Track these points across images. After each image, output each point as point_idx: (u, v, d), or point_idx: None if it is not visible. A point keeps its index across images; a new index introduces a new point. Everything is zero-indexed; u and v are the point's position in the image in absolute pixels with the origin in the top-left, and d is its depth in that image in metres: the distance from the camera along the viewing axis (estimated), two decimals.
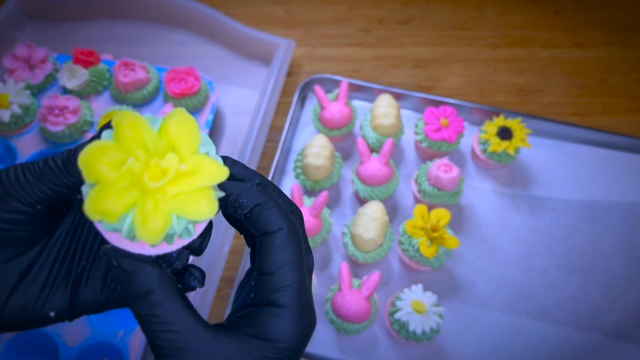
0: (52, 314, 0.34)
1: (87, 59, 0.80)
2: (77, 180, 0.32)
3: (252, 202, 0.33)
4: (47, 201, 0.32)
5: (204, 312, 0.70)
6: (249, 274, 0.37)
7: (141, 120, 0.29)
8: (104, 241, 0.36)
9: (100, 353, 0.65)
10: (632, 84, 0.92)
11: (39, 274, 0.35)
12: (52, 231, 0.36)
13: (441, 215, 0.69)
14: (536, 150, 0.83)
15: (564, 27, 0.98)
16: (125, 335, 0.66)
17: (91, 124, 0.79)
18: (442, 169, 0.73)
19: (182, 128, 0.30)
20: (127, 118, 0.29)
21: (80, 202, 0.36)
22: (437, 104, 0.84)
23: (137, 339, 0.65)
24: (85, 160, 0.28)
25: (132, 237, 0.30)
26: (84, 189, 0.30)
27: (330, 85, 0.86)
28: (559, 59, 0.95)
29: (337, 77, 0.85)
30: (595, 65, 0.94)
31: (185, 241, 0.31)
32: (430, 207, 0.74)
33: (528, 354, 0.70)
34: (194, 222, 0.30)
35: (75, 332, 0.66)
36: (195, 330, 0.30)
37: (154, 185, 0.28)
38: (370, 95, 0.86)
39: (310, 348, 0.70)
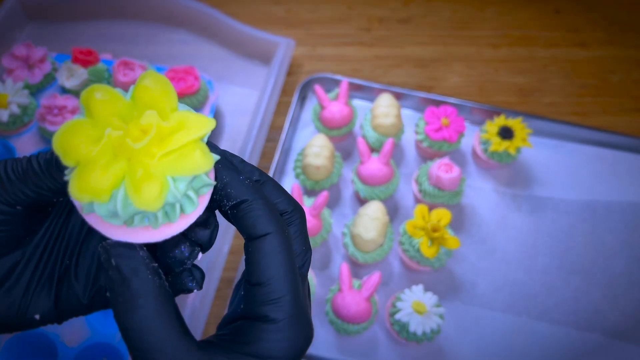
0: (37, 316, 0.33)
1: (85, 59, 0.80)
2: (60, 184, 0.30)
3: (239, 195, 0.31)
4: (29, 203, 0.30)
5: (204, 313, 0.70)
6: (243, 276, 0.35)
7: (111, 90, 0.27)
8: (90, 239, 0.34)
9: (99, 354, 0.65)
10: (632, 83, 0.92)
11: (21, 276, 0.33)
12: (35, 230, 0.34)
13: (442, 215, 0.69)
14: (537, 150, 0.83)
15: (564, 27, 0.97)
16: None
17: None
18: (442, 169, 0.72)
19: (157, 87, 0.28)
20: (96, 90, 0.27)
21: (65, 200, 0.33)
22: (437, 103, 0.83)
23: None
24: (60, 142, 0.26)
25: (129, 216, 0.27)
26: (66, 176, 0.27)
27: (330, 84, 0.85)
28: (559, 59, 0.94)
29: (337, 77, 0.85)
30: (596, 65, 0.94)
31: (191, 216, 0.28)
32: (431, 207, 0.74)
33: (529, 354, 0.70)
34: (195, 189, 0.28)
35: (74, 332, 0.65)
36: (185, 352, 0.28)
37: (137, 145, 0.26)
38: (370, 94, 0.86)
39: (310, 349, 0.69)
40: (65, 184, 0.29)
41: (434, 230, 0.67)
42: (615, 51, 0.95)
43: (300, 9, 0.98)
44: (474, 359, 0.69)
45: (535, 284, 0.74)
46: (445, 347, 0.70)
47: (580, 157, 0.83)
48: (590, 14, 0.98)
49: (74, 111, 0.76)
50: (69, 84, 0.78)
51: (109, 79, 0.82)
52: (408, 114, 0.85)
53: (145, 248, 0.29)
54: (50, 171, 0.29)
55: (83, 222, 0.35)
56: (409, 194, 0.79)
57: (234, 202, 0.31)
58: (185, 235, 0.32)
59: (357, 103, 0.86)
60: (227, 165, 0.32)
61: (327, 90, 0.84)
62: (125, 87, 0.79)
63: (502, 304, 0.73)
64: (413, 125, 0.82)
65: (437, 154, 0.79)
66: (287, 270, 0.30)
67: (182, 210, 0.28)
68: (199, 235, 0.32)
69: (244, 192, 0.31)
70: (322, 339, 0.70)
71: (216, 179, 0.31)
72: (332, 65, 0.92)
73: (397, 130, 0.78)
